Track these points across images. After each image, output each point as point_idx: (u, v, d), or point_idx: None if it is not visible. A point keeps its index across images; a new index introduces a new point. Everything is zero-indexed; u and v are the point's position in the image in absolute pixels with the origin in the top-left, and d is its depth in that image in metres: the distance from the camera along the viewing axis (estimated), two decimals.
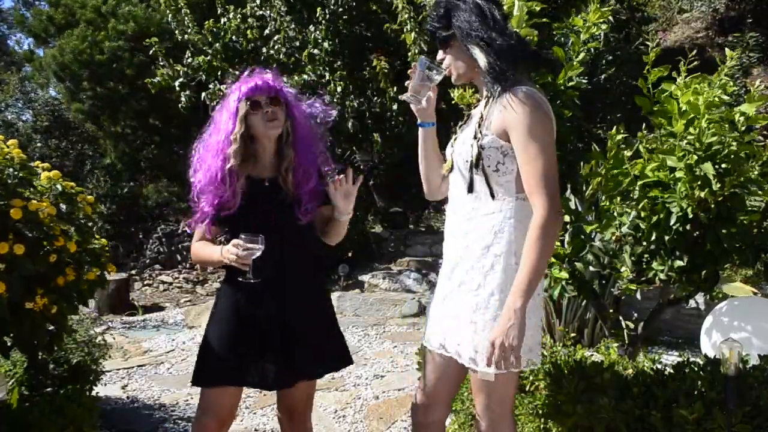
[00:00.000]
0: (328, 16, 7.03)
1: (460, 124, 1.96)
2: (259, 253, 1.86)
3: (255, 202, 2.03)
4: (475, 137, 1.75)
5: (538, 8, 2.40)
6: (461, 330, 1.78)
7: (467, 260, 1.79)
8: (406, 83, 1.92)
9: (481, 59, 1.74)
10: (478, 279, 1.75)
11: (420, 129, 2.01)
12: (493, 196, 1.75)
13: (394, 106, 6.99)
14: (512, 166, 1.74)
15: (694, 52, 2.40)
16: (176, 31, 7.91)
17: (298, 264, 2.06)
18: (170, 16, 7.90)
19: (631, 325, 2.93)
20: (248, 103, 1.97)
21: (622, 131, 2.48)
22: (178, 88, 7.61)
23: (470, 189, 1.78)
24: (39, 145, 12.71)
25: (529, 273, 1.62)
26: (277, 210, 2.02)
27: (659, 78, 2.41)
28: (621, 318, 3.04)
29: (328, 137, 2.20)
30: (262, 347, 2.01)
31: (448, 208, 1.93)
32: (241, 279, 1.92)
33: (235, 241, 1.88)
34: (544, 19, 2.46)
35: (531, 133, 1.67)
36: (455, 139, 1.90)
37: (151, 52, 7.95)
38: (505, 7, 2.39)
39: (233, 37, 7.46)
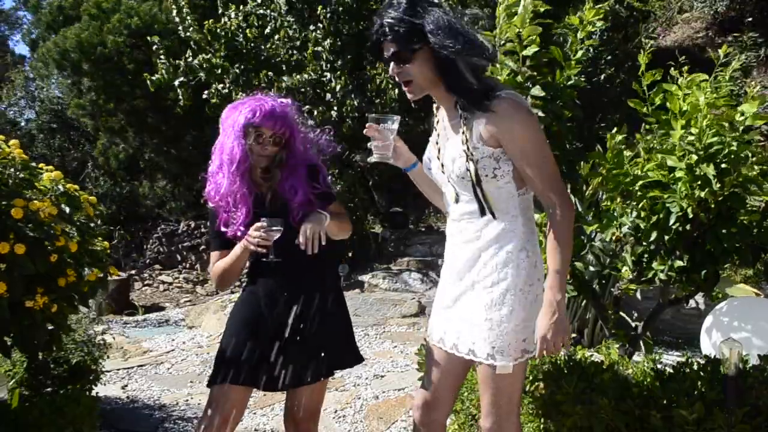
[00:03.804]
0: (329, 14, 7.02)
1: (435, 139, 1.95)
2: (278, 234, 1.99)
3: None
4: (467, 159, 1.75)
5: (542, 9, 2.39)
6: (474, 330, 1.80)
7: (480, 260, 1.81)
8: (369, 144, 1.93)
9: (467, 75, 1.71)
10: (492, 277, 1.78)
11: (408, 173, 2.08)
12: (494, 211, 1.78)
13: (395, 106, 6.99)
14: (507, 167, 1.76)
15: (685, 56, 2.40)
16: (179, 28, 7.89)
17: (298, 268, 2.11)
18: (174, 12, 7.88)
19: (637, 323, 2.93)
20: (255, 131, 2.03)
21: (624, 131, 2.48)
22: (177, 87, 7.60)
23: (483, 212, 1.79)
24: (42, 144, 12.73)
25: (562, 267, 1.72)
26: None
27: (654, 80, 2.41)
28: (624, 315, 3.04)
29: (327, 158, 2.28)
30: (271, 347, 2.07)
31: (450, 213, 1.94)
32: (264, 260, 2.04)
33: (257, 224, 1.98)
34: (548, 20, 2.45)
35: (528, 139, 1.71)
36: (440, 153, 1.89)
37: (154, 47, 7.93)
38: (506, 4, 2.39)
39: (234, 36, 7.45)
